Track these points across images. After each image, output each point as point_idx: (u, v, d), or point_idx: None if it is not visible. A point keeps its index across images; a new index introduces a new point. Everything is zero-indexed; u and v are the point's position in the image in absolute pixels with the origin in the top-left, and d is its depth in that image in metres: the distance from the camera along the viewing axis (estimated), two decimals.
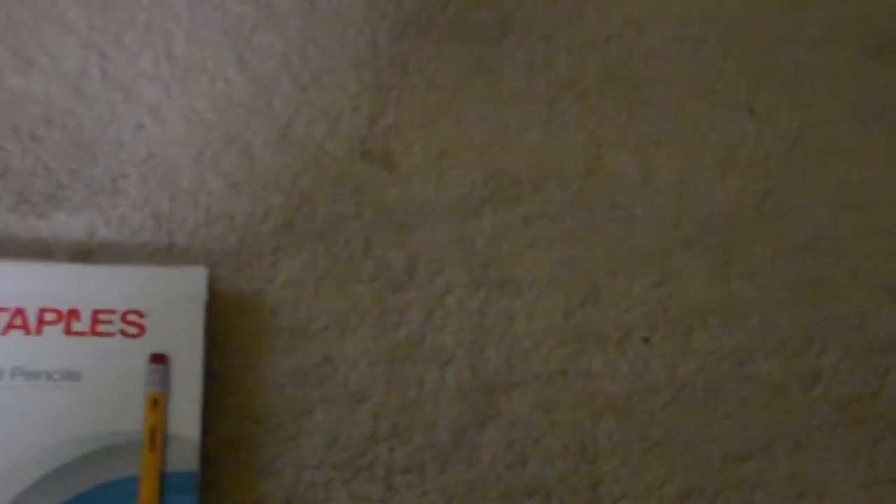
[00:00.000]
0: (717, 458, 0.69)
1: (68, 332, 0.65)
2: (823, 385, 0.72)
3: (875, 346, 0.74)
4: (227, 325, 0.70)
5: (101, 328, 0.65)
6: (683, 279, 0.77)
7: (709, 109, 0.87)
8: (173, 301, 0.67)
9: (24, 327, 0.65)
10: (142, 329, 0.66)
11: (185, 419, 0.63)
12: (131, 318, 0.66)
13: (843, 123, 0.86)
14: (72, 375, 0.63)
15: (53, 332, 0.65)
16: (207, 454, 0.64)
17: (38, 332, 0.65)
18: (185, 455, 0.62)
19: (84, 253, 0.72)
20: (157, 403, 0.63)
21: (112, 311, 0.66)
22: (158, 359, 0.65)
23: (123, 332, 0.65)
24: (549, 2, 0.90)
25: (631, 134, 0.84)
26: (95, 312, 0.66)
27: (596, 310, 0.75)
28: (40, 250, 0.72)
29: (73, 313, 0.66)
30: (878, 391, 0.72)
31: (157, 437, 0.62)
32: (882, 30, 0.91)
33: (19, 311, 0.65)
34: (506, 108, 0.85)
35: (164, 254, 0.73)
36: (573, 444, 0.69)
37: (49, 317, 0.65)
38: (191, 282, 0.69)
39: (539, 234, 0.78)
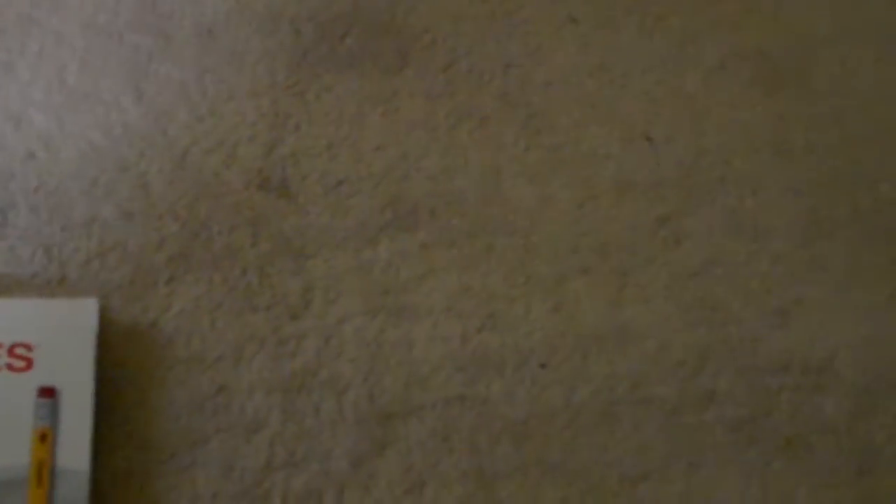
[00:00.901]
0: (613, 480, 0.69)
1: None
2: (717, 406, 0.73)
3: (768, 368, 0.75)
4: (121, 357, 0.69)
5: None
6: (580, 304, 0.77)
7: (606, 137, 0.87)
8: (63, 333, 0.66)
9: None
10: (29, 362, 0.65)
11: (75, 453, 0.62)
12: (19, 350, 0.65)
13: (738, 152, 0.87)
14: None
15: None
16: (100, 487, 0.63)
17: None
18: (74, 489, 0.61)
19: None
20: (45, 437, 0.62)
21: None
22: (47, 392, 0.63)
23: (10, 366, 0.64)
24: (449, 32, 0.90)
25: (529, 161, 0.85)
26: None
27: (493, 335, 0.75)
28: None
29: None
30: (771, 412, 0.73)
31: (45, 471, 0.60)
32: (775, 61, 0.93)
33: None
34: (405, 137, 0.85)
35: (56, 286, 0.72)
36: (471, 469, 0.69)
37: None
38: (81, 313, 0.67)
39: (437, 260, 0.78)
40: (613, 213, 0.83)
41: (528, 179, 0.84)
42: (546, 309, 0.77)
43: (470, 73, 0.89)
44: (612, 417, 0.72)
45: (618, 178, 0.85)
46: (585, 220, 0.82)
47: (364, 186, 0.81)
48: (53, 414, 0.63)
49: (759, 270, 0.80)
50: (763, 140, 0.88)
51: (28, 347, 0.65)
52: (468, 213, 0.81)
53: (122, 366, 0.69)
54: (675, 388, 0.74)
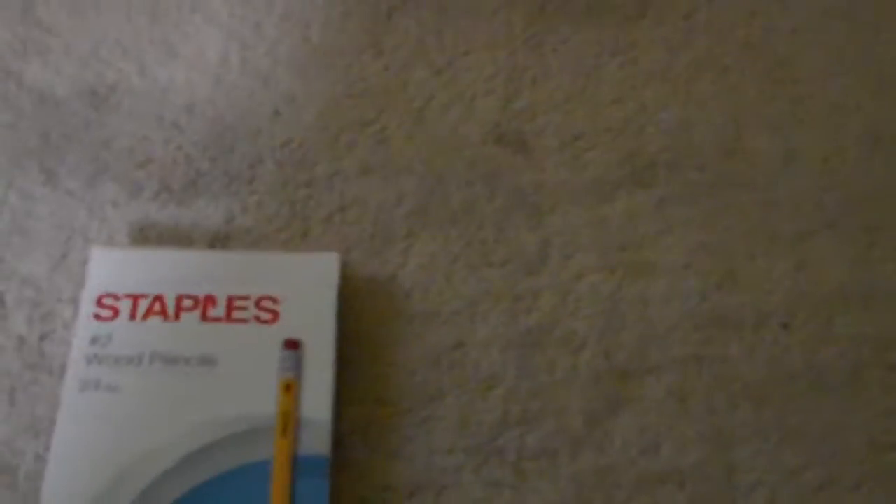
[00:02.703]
0: (858, 447, 0.67)
1: (204, 318, 0.66)
2: None
3: None
4: (360, 311, 0.71)
5: (236, 314, 0.67)
6: (825, 262, 0.74)
7: (855, 86, 0.84)
8: (306, 287, 0.68)
9: (163, 313, 0.66)
10: (275, 315, 0.67)
11: (318, 404, 0.64)
12: (265, 304, 0.67)
13: None
14: (208, 361, 0.65)
15: (190, 318, 0.66)
16: (339, 438, 0.65)
17: (176, 317, 0.66)
18: (317, 439, 0.63)
19: (221, 240, 0.73)
20: (290, 388, 0.64)
21: (247, 298, 0.67)
22: (291, 345, 0.66)
23: (258, 318, 0.67)
24: None
25: (772, 113, 0.82)
26: (231, 299, 0.67)
27: (733, 294, 0.73)
28: (180, 237, 0.73)
29: (210, 299, 0.67)
30: None
31: (290, 421, 0.63)
32: None
33: (158, 298, 0.67)
34: (643, 89, 0.83)
35: (299, 240, 0.74)
36: (708, 430, 0.67)
37: (187, 303, 0.67)
38: (323, 268, 0.69)
39: (675, 216, 0.76)
40: (861, 167, 0.79)
41: (770, 132, 0.81)
42: (788, 267, 0.74)
43: (711, 21, 0.87)
44: (857, 381, 0.69)
45: (867, 129, 0.81)
46: (831, 174, 0.79)
47: (601, 140, 0.80)
48: (298, 366, 0.65)
49: None
50: None
51: (274, 300, 0.67)
52: (708, 168, 0.79)
53: (361, 320, 0.70)
54: None
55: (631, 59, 0.85)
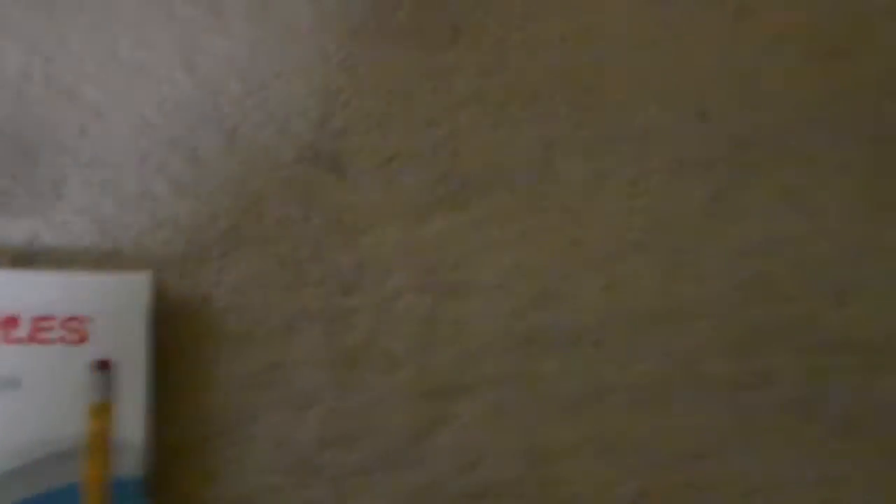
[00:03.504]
0: (669, 458, 0.69)
1: (7, 339, 0.64)
2: (773, 385, 0.72)
3: (824, 347, 0.74)
4: (175, 331, 0.69)
5: (41, 335, 0.64)
6: (634, 282, 0.76)
7: (660, 113, 0.86)
8: (116, 307, 0.66)
9: None
10: (84, 336, 0.64)
11: (131, 425, 0.62)
12: (73, 324, 0.65)
13: (793, 128, 0.86)
14: (11, 383, 0.62)
15: None
16: (157, 460, 0.63)
17: None
18: (130, 460, 0.61)
19: (26, 259, 0.70)
20: (102, 410, 0.62)
21: (52, 318, 0.65)
22: (102, 365, 0.63)
23: (64, 339, 0.64)
24: (501, 6, 0.89)
25: (582, 137, 0.84)
26: (36, 319, 0.65)
27: (547, 313, 0.74)
28: None
29: (12, 320, 0.64)
30: (826, 391, 0.72)
31: (102, 443, 0.60)
32: (830, 36, 0.91)
33: None
34: (456, 112, 0.84)
35: (109, 259, 0.72)
36: (525, 446, 0.68)
37: None
38: (134, 287, 0.67)
39: (489, 237, 0.77)
40: (667, 190, 0.82)
41: (580, 155, 0.83)
42: (600, 286, 0.76)
43: (522, 47, 0.88)
44: (667, 395, 0.71)
45: (671, 154, 0.84)
46: (638, 197, 0.81)
47: (415, 162, 0.81)
48: (108, 387, 0.63)
49: (815, 249, 0.80)
50: (818, 116, 0.87)
51: (82, 321, 0.65)
52: (520, 190, 0.80)
53: (175, 340, 0.69)
54: (730, 367, 0.73)
55: (444, 82, 0.86)
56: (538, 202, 0.80)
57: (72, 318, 0.65)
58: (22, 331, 0.64)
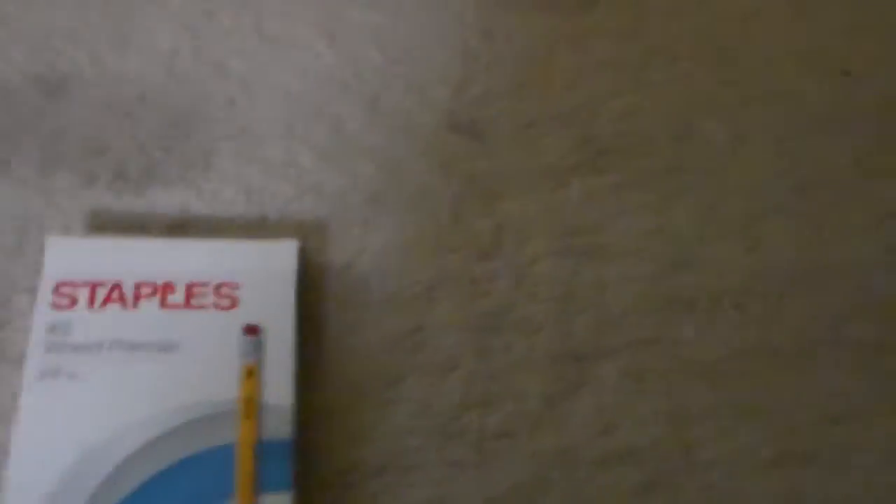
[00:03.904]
0: (811, 422, 0.68)
1: (164, 305, 0.66)
2: None
3: None
4: (318, 297, 0.71)
5: (195, 300, 0.67)
6: (776, 244, 0.76)
7: (803, 71, 0.85)
8: (265, 273, 0.68)
9: (122, 301, 0.66)
10: (235, 301, 0.67)
11: (279, 388, 0.64)
12: (224, 290, 0.67)
13: None
14: (168, 347, 0.65)
15: (149, 306, 0.66)
16: (302, 422, 0.65)
17: (135, 305, 0.66)
18: (279, 423, 0.63)
19: (178, 227, 0.73)
20: (251, 373, 0.64)
21: (206, 284, 0.67)
22: (251, 330, 0.66)
23: (217, 305, 0.67)
24: None
25: (722, 99, 0.83)
26: (189, 285, 0.67)
27: (686, 276, 0.74)
28: (136, 225, 0.73)
29: (168, 286, 0.67)
30: None
31: (252, 406, 0.63)
32: None
33: (116, 286, 0.67)
34: (595, 76, 0.84)
35: (256, 227, 0.74)
36: (664, 410, 0.68)
37: (145, 290, 0.67)
38: (282, 254, 0.69)
39: (628, 201, 0.77)
40: (809, 151, 0.81)
41: (720, 117, 0.82)
42: (740, 249, 0.75)
43: (661, 9, 0.88)
44: (809, 359, 0.71)
45: (813, 115, 0.83)
46: (779, 159, 0.81)
47: (554, 127, 0.81)
48: (258, 351, 0.65)
49: None
50: None
51: (233, 286, 0.67)
52: (659, 153, 0.80)
53: (320, 306, 0.71)
54: (875, 330, 0.72)
55: (582, 46, 0.86)
56: (678, 165, 0.79)
57: (223, 284, 0.67)
58: (178, 297, 0.67)
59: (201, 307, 0.67)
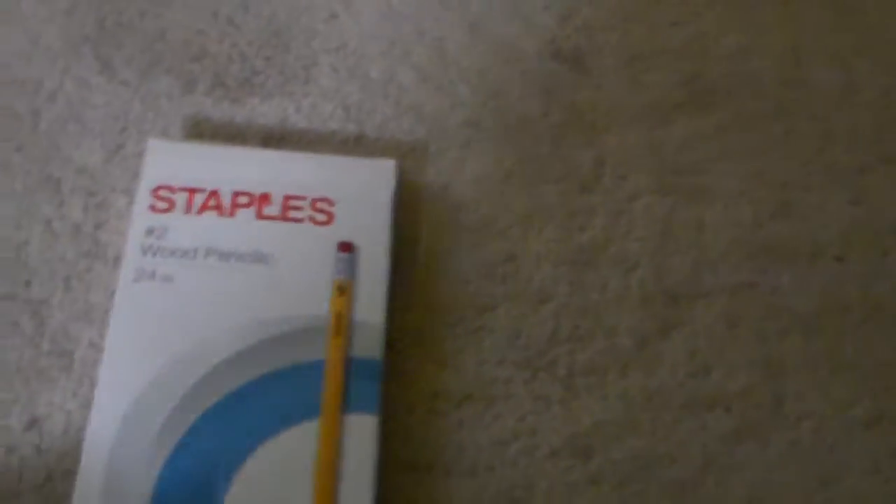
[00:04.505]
0: None
1: (260, 215, 0.66)
2: None
3: None
4: (413, 218, 0.70)
5: (291, 213, 0.66)
6: (882, 197, 0.74)
7: None
8: (362, 191, 0.68)
9: (218, 208, 0.66)
10: (330, 217, 0.66)
11: (371, 307, 0.63)
12: (321, 205, 0.66)
13: None
14: (262, 258, 0.64)
15: (245, 215, 0.66)
16: (392, 343, 0.65)
17: (231, 213, 0.66)
18: (369, 342, 0.62)
19: (275, 139, 0.73)
20: (344, 290, 0.64)
21: (302, 198, 0.67)
22: (346, 247, 0.65)
23: (312, 219, 0.66)
24: None
25: (833, 43, 0.81)
26: (286, 198, 0.66)
27: (788, 224, 0.72)
28: (233, 134, 0.73)
29: (265, 197, 0.66)
30: None
31: (343, 323, 0.62)
32: None
33: (214, 193, 0.66)
34: (704, 12, 0.82)
35: (353, 144, 0.73)
36: (758, 358, 0.67)
37: (242, 199, 0.66)
38: (380, 173, 0.69)
39: (732, 143, 0.75)
40: None
41: (831, 62, 0.80)
42: (844, 200, 0.74)
43: None
44: None
45: None
46: (891, 108, 0.78)
47: (659, 62, 0.79)
48: (351, 268, 0.64)
49: None
50: None
51: (329, 202, 0.67)
52: (766, 96, 0.78)
53: (414, 227, 0.70)
54: None
55: None
56: (785, 109, 0.77)
57: (320, 199, 0.67)
58: (274, 208, 0.66)
59: (297, 220, 0.66)
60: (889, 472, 0.64)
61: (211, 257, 0.64)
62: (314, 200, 0.67)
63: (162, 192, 0.66)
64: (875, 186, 0.74)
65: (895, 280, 0.70)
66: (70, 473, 0.60)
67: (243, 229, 0.65)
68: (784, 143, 0.76)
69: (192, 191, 0.66)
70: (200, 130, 0.72)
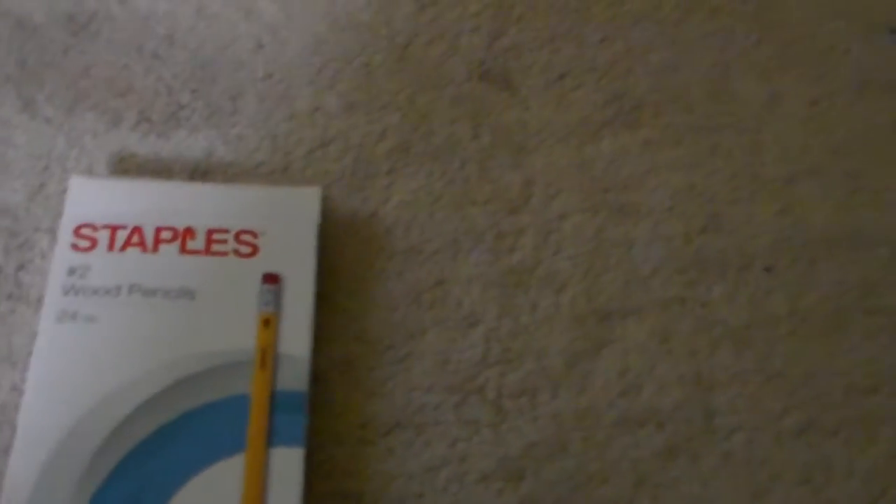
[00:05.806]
0: (839, 391, 0.67)
1: (183, 250, 0.66)
2: None
3: None
4: (340, 247, 0.70)
5: (215, 247, 0.66)
6: (809, 207, 0.74)
7: (845, 30, 0.83)
8: (287, 221, 0.67)
9: (142, 245, 0.66)
10: (255, 249, 0.66)
11: (297, 339, 0.63)
12: (245, 237, 0.66)
13: None
14: (187, 293, 0.64)
15: (169, 250, 0.65)
16: (318, 374, 0.64)
17: (155, 249, 0.65)
18: (295, 374, 0.62)
19: (202, 172, 0.72)
20: (269, 323, 0.63)
21: (226, 231, 0.66)
22: (271, 279, 0.65)
23: (237, 252, 0.66)
24: None
25: (759, 56, 0.81)
26: (210, 231, 0.66)
27: (717, 237, 0.73)
28: (160, 169, 0.72)
29: (189, 232, 0.66)
30: None
31: (268, 356, 0.62)
32: None
33: (137, 229, 0.66)
34: (630, 29, 0.82)
35: (280, 174, 0.73)
36: (689, 373, 0.67)
37: (165, 235, 0.66)
38: (304, 202, 0.68)
39: (660, 158, 0.76)
40: (847, 113, 0.79)
41: (757, 75, 0.80)
42: (772, 211, 0.74)
43: None
44: (839, 326, 0.69)
45: (855, 75, 0.81)
46: (817, 120, 0.79)
47: (587, 80, 0.79)
48: (276, 300, 0.64)
49: None
50: None
51: (254, 234, 0.67)
52: (694, 110, 0.78)
53: (342, 256, 0.70)
54: None
55: (618, 0, 0.84)
56: (712, 123, 0.78)
57: (244, 231, 0.67)
58: (198, 242, 0.66)
59: (221, 254, 0.66)
60: (820, 480, 0.64)
61: (135, 294, 0.64)
62: (238, 233, 0.67)
63: (84, 231, 0.66)
64: (803, 197, 0.75)
65: (824, 289, 0.70)
66: None
67: (167, 265, 0.65)
68: (712, 156, 0.76)
69: (115, 228, 0.66)
70: (126, 166, 0.72)
